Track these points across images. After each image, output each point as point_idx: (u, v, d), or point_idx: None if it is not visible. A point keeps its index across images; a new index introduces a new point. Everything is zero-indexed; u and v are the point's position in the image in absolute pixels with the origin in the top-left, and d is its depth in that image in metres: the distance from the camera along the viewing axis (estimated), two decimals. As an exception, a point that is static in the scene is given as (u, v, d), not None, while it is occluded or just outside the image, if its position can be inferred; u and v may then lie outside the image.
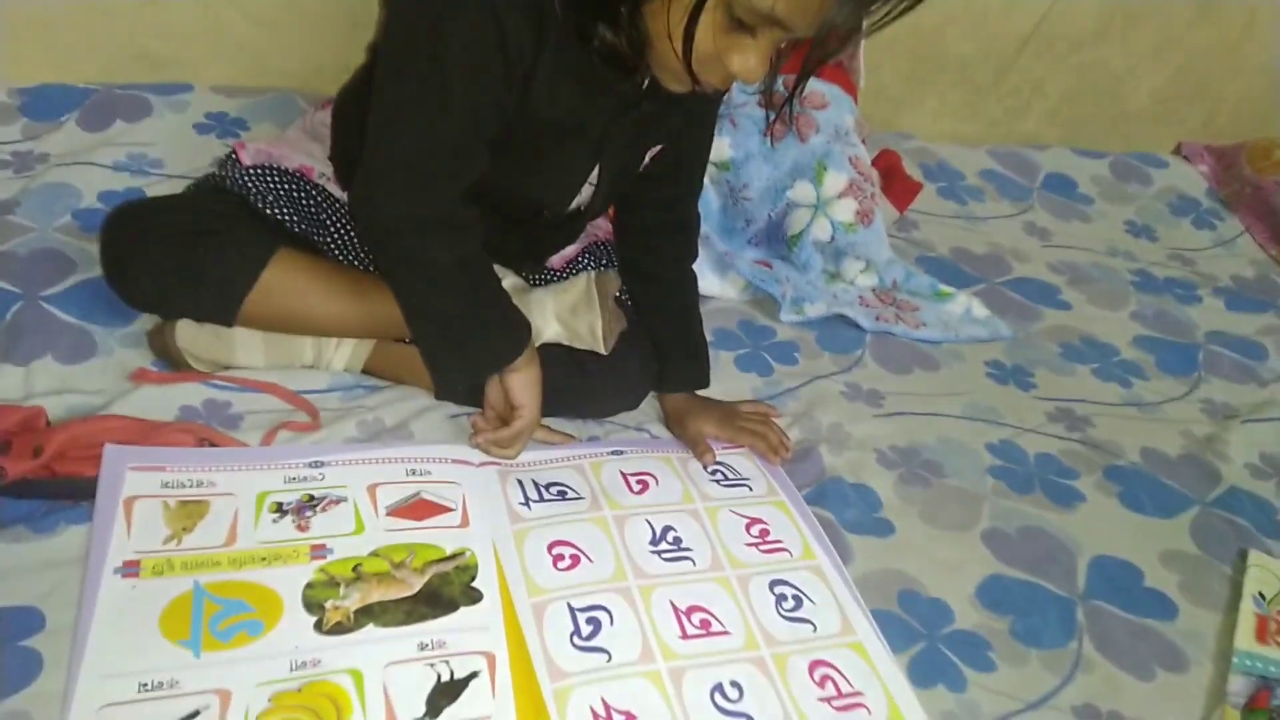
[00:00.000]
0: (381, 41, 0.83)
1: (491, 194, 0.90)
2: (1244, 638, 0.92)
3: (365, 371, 1.02)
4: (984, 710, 0.82)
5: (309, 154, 1.03)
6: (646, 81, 0.85)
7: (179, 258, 0.91)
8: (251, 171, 0.98)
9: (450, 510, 0.88)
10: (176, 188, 1.06)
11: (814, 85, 1.37)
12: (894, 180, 1.53)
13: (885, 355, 1.26)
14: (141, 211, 0.96)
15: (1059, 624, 0.92)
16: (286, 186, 0.99)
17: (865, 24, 0.70)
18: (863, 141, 1.42)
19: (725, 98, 1.09)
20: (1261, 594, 0.97)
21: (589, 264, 1.10)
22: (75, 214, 1.11)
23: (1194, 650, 0.92)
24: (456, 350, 0.91)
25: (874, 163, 1.47)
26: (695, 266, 1.12)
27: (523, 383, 0.91)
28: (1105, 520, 1.06)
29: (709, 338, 1.11)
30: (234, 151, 1.01)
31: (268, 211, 0.96)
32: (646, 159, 0.98)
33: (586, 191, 0.96)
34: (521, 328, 0.92)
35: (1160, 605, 0.96)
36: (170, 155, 1.24)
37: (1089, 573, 0.98)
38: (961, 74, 1.76)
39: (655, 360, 1.05)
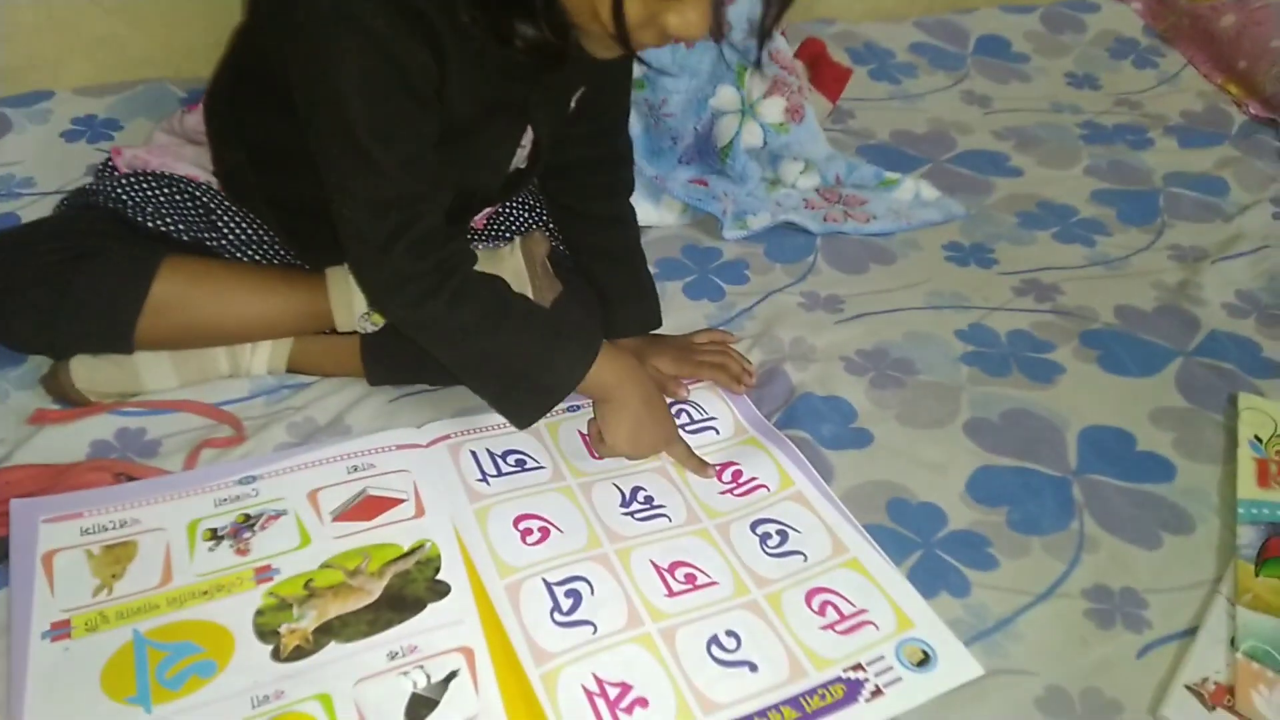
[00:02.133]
0: (302, 109, 0.74)
1: None
2: (1246, 485, 0.88)
3: (291, 370, 0.95)
4: (992, 610, 0.78)
5: (193, 162, 0.93)
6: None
7: (55, 290, 0.83)
8: (127, 181, 0.89)
9: (402, 501, 0.82)
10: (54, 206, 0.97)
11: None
12: (822, 70, 1.45)
13: (838, 257, 1.19)
14: (5, 245, 0.87)
15: (1056, 506, 0.87)
16: (168, 191, 0.90)
17: None
18: (781, 34, 1.34)
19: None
20: (1258, 437, 0.93)
21: (513, 222, 1.03)
22: (-59, 252, 1.01)
23: (1198, 508, 0.88)
24: (530, 379, 0.82)
25: (797, 54, 1.39)
26: (626, 197, 1.04)
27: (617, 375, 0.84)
28: (1088, 389, 1.01)
29: (652, 269, 1.04)
30: (110, 159, 0.92)
31: (149, 224, 0.88)
32: (573, 104, 0.90)
33: (521, 156, 0.88)
34: (587, 323, 0.87)
35: (1157, 467, 0.92)
36: (40, 171, 1.13)
37: (1080, 446, 0.94)
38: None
39: (600, 306, 0.98)
